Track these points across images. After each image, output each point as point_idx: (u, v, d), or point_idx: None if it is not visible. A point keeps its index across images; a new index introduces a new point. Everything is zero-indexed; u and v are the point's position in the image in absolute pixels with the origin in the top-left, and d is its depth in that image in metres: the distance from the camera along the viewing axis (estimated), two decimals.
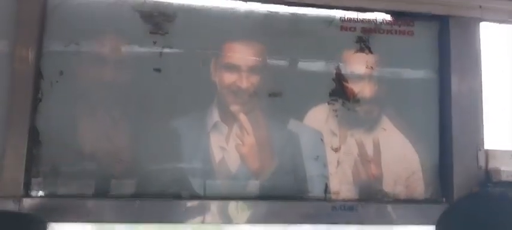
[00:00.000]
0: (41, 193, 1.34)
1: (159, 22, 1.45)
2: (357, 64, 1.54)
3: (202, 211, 1.38)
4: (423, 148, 1.55)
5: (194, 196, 1.40)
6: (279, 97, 1.49)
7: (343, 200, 1.47)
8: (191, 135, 1.43)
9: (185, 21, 1.47)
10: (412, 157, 1.54)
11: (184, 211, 1.37)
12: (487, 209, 1.11)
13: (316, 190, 1.47)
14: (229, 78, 1.46)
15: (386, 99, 1.55)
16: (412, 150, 1.54)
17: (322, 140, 1.49)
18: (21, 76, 1.34)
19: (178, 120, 1.43)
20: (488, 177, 1.50)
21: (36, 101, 1.36)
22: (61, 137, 1.37)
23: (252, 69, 1.48)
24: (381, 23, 1.57)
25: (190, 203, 1.38)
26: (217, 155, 1.44)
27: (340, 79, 1.53)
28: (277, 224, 1.43)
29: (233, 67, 1.47)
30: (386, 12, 1.58)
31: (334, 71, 1.52)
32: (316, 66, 1.52)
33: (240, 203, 1.40)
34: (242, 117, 1.46)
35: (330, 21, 1.55)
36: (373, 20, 1.57)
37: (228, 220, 1.38)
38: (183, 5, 1.47)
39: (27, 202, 1.30)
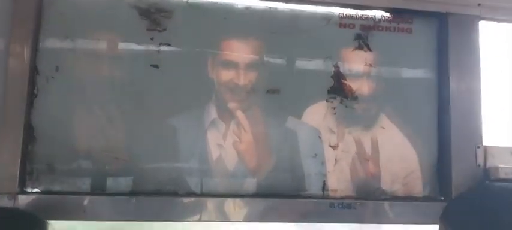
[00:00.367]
0: (36, 189, 1.33)
1: (156, 18, 1.44)
2: (356, 61, 1.53)
3: (199, 209, 1.37)
4: (421, 146, 1.54)
5: (191, 194, 1.39)
6: (277, 95, 1.48)
7: (341, 198, 1.46)
8: (188, 132, 1.42)
9: (183, 18, 1.46)
10: (411, 155, 1.53)
11: (181, 208, 1.36)
12: (494, 199, 1.10)
13: (313, 187, 1.46)
14: (226, 75, 1.45)
15: (384, 97, 1.54)
16: (410, 147, 1.53)
17: (320, 137, 1.49)
18: (16, 71, 1.33)
19: (175, 116, 1.42)
20: (486, 175, 1.50)
21: (31, 97, 1.35)
22: (57, 133, 1.35)
23: (250, 66, 1.47)
24: (379, 20, 1.57)
25: (187, 201, 1.37)
26: (214, 152, 1.43)
27: (338, 76, 1.52)
28: (275, 222, 1.42)
29: (231, 64, 1.46)
30: (385, 9, 1.57)
31: (333, 68, 1.52)
32: (315, 63, 1.52)
33: (237, 201, 1.39)
34: (240, 114, 1.45)
35: (328, 18, 1.54)
36: (371, 17, 1.56)
37: (225, 217, 1.38)
38: (181, 1, 1.46)
39: (22, 199, 1.29)
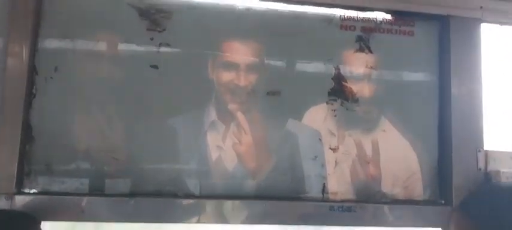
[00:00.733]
0: (33, 190, 1.32)
1: (156, 19, 1.44)
2: (357, 63, 1.53)
3: (198, 211, 1.36)
4: (422, 149, 1.53)
5: (190, 195, 1.38)
6: (277, 96, 1.47)
7: (341, 201, 1.45)
8: (188, 134, 1.42)
9: (183, 18, 1.45)
10: (411, 158, 1.52)
11: (180, 210, 1.35)
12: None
13: (313, 190, 1.46)
14: (227, 76, 1.45)
15: (385, 99, 1.53)
16: (411, 150, 1.52)
17: (320, 140, 1.48)
18: (15, 71, 1.32)
19: (174, 117, 1.42)
20: (487, 179, 1.49)
21: (30, 97, 1.34)
22: (55, 134, 1.35)
23: (250, 67, 1.46)
24: (381, 22, 1.56)
25: (186, 203, 1.36)
26: (214, 154, 1.42)
27: (339, 78, 1.51)
28: (274, 225, 1.41)
29: (231, 65, 1.45)
30: (387, 11, 1.56)
31: (334, 70, 1.51)
32: (315, 65, 1.51)
33: (236, 203, 1.38)
34: (240, 115, 1.44)
35: (329, 19, 1.53)
36: (373, 19, 1.55)
37: (223, 219, 1.37)
38: (181, 1, 1.46)
39: (19, 199, 1.28)
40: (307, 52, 1.51)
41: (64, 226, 1.39)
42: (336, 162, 1.48)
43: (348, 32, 1.54)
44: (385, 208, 1.45)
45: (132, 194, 1.35)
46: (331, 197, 1.46)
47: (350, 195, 1.47)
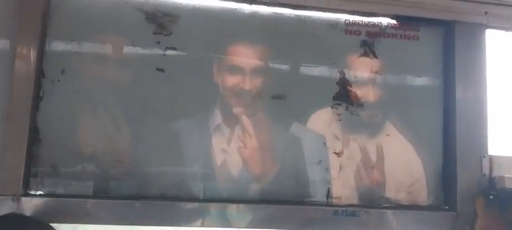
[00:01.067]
0: (40, 192, 1.33)
1: (163, 22, 1.44)
2: (361, 68, 1.53)
3: (202, 214, 1.36)
4: (427, 154, 1.53)
5: (194, 199, 1.39)
6: (283, 100, 1.47)
7: (345, 205, 1.45)
8: (193, 137, 1.42)
9: (189, 22, 1.46)
10: (416, 164, 1.52)
11: (185, 213, 1.36)
12: None
13: (318, 194, 1.46)
14: (232, 79, 1.45)
15: (390, 104, 1.53)
16: (415, 156, 1.53)
17: (325, 144, 1.48)
18: (22, 74, 1.33)
19: (180, 121, 1.42)
20: (492, 184, 1.49)
21: (37, 99, 1.35)
22: (61, 136, 1.35)
23: (256, 71, 1.46)
24: (385, 27, 1.56)
25: (190, 206, 1.36)
26: (218, 157, 1.43)
27: (344, 83, 1.51)
28: (278, 229, 1.41)
29: (236, 69, 1.46)
30: (392, 16, 1.57)
31: (338, 75, 1.51)
32: (320, 69, 1.51)
33: (241, 206, 1.38)
34: (245, 119, 1.45)
35: (334, 24, 1.53)
36: (378, 24, 1.56)
37: (228, 223, 1.37)
38: (187, 6, 1.46)
39: (26, 201, 1.29)
40: (312, 56, 1.51)
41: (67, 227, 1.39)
42: (340, 166, 1.48)
43: (352, 37, 1.54)
44: (389, 213, 1.45)
45: (136, 197, 1.36)
46: (335, 201, 1.46)
47: (354, 200, 1.47)
